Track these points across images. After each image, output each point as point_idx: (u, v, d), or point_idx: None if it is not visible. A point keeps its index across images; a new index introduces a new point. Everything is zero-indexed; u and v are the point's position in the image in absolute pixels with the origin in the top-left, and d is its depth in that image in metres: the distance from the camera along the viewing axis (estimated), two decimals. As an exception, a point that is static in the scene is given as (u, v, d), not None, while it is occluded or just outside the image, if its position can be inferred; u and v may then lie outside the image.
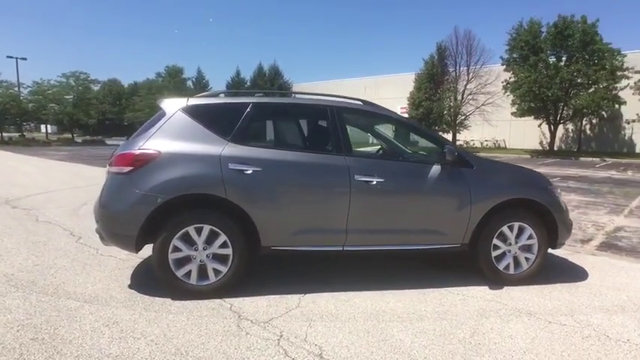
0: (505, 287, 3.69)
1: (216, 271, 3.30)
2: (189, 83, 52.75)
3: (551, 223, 3.84)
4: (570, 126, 31.57)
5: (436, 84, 33.30)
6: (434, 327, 2.90)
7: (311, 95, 3.79)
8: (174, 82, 48.89)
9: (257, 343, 2.61)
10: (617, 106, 25.87)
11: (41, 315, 2.92)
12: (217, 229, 3.25)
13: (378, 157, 3.93)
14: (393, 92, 39.73)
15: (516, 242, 3.78)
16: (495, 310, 3.23)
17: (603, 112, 27.23)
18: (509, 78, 28.63)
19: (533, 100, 26.98)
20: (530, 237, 3.79)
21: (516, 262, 3.81)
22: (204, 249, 3.26)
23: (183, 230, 3.21)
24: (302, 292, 3.45)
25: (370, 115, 3.98)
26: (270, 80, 53.12)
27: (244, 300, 3.27)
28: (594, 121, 30.11)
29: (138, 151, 3.23)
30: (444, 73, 34.14)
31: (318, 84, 53.12)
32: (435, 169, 3.62)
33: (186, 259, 3.26)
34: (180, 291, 3.26)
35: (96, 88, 45.70)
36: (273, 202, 3.31)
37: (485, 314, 3.14)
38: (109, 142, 35.63)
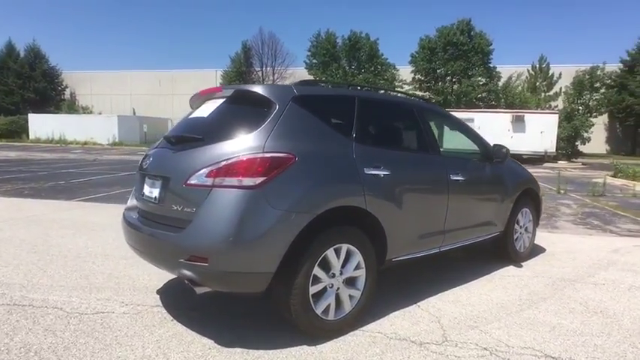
0: (523, 264, 4.36)
1: (351, 298, 2.77)
2: None
3: (537, 206, 4.73)
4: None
5: (244, 82, 33.84)
6: (556, 307, 3.24)
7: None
8: None
9: (485, 362, 2.40)
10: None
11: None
12: (354, 248, 2.73)
13: (456, 157, 3.97)
14: (193, 88, 38.19)
15: (523, 225, 4.51)
16: (553, 282, 3.82)
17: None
18: (313, 81, 31.74)
19: (335, 103, 30.80)
20: (529, 220, 4.59)
21: (523, 242, 4.54)
22: (340, 274, 2.69)
23: (323, 255, 2.57)
24: (411, 302, 3.25)
25: (438, 114, 4.01)
26: (29, 64, 43.53)
27: (379, 324, 2.87)
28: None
29: (270, 155, 2.39)
30: (251, 72, 35.06)
31: (102, 73, 46.35)
32: (489, 166, 3.96)
33: (323, 291, 2.62)
34: (320, 331, 2.60)
35: None
36: (402, 209, 3.00)
37: (557, 287, 3.69)
38: None
